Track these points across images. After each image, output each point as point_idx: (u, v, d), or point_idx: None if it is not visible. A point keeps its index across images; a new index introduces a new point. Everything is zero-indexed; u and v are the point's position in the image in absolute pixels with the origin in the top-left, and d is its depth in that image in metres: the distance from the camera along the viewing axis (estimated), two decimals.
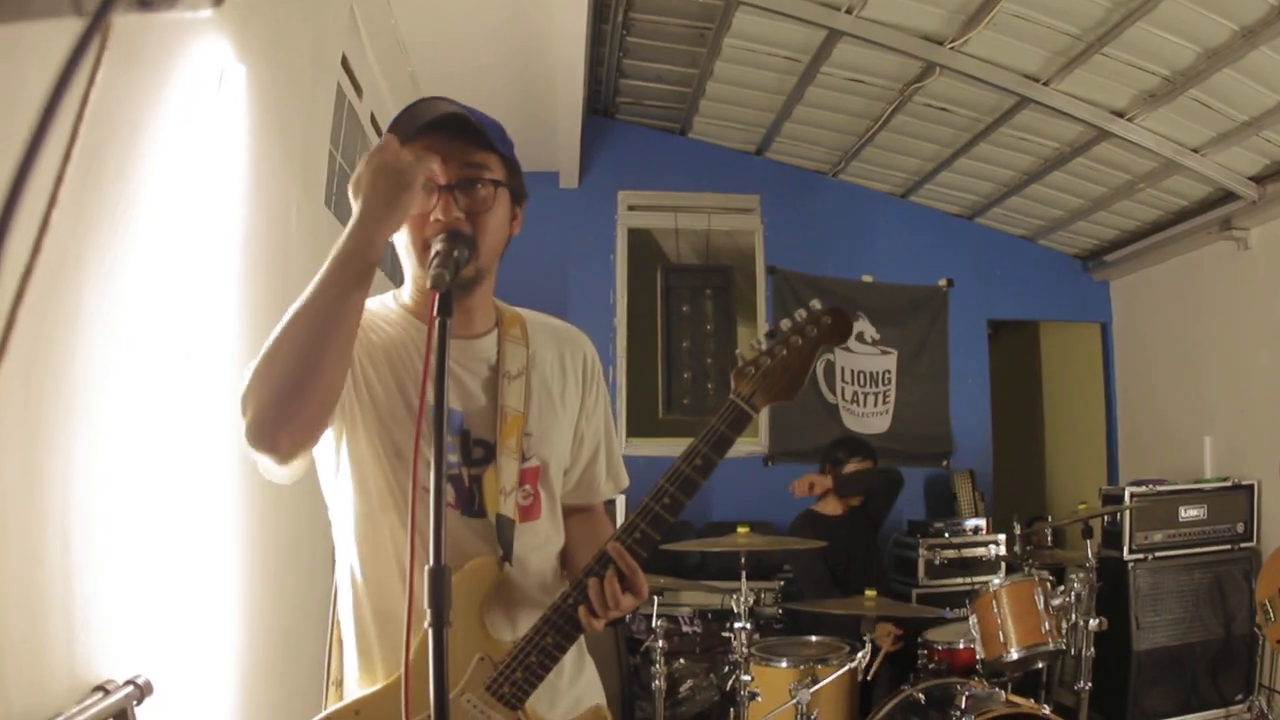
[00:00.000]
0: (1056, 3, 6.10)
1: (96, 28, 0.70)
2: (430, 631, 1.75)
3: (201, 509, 3.22)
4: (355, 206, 2.05)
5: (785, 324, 2.33)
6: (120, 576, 2.61)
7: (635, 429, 9.29)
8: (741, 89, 8.40)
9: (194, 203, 3.10)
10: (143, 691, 2.51)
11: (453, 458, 2.25)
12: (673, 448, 8.77)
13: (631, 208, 9.61)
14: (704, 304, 9.15)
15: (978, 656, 5.49)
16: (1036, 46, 6.64)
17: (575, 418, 2.50)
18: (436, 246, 2.10)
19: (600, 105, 9.24)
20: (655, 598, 5.77)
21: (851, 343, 9.28)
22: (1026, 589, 5.50)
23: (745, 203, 9.69)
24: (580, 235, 9.38)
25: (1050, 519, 7.17)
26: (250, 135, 3.64)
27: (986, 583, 5.71)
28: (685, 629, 7.08)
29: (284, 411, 1.97)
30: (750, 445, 9.20)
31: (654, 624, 5.69)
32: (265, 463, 2.06)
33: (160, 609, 2.87)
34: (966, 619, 5.65)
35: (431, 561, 1.76)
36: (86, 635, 2.42)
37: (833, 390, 9.34)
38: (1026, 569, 5.75)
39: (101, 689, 2.42)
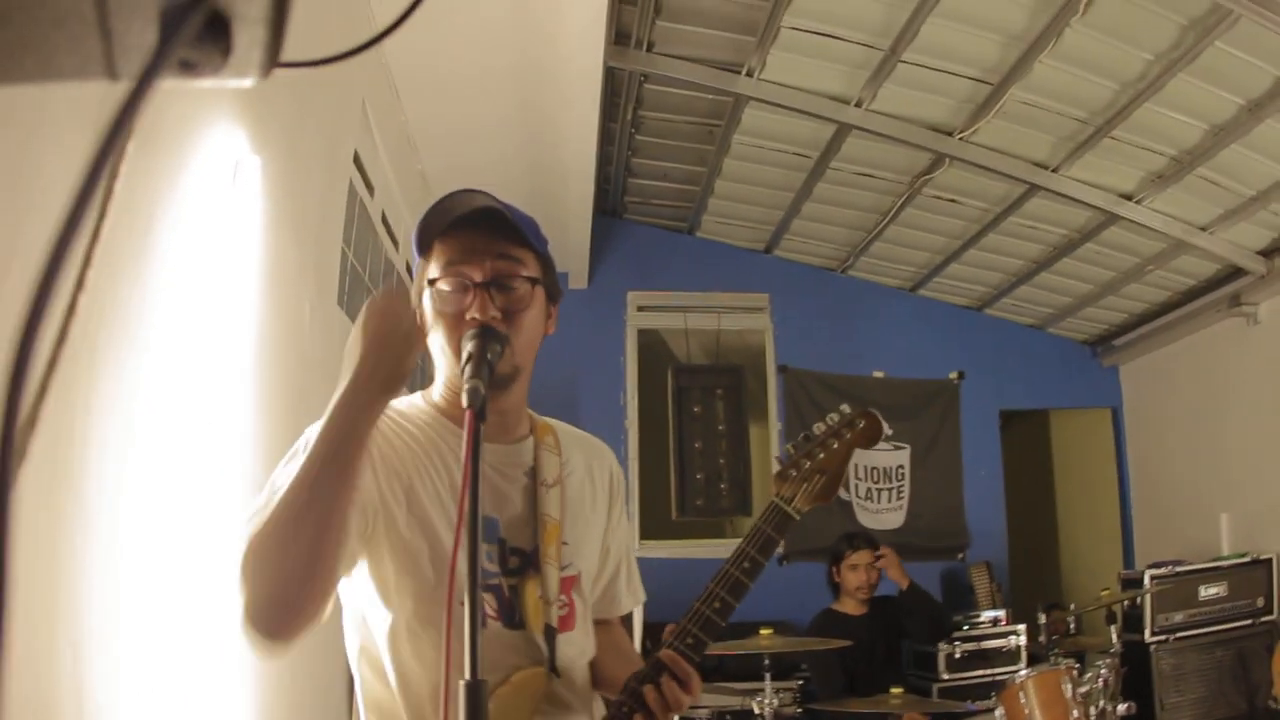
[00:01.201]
0: (1064, 88, 6.19)
1: (145, 90, 0.64)
2: None
3: (220, 615, 3.12)
4: (345, 376, 1.93)
5: (819, 428, 2.45)
6: (135, 688, 2.51)
7: (649, 531, 9.20)
8: (750, 187, 8.47)
9: (209, 296, 3.04)
10: None
11: (491, 567, 2.18)
12: (687, 550, 8.85)
13: (641, 308, 9.63)
14: (715, 404, 9.13)
15: None
16: (1045, 133, 6.73)
17: (603, 529, 2.46)
18: (468, 347, 2.00)
19: (609, 205, 9.29)
20: None
21: None
22: (1053, 678, 5.46)
23: (755, 301, 9.71)
24: (590, 337, 9.35)
25: (1073, 606, 7.08)
26: (265, 228, 3.59)
27: (1010, 674, 5.64)
28: None
29: (285, 605, 1.87)
30: None
31: None
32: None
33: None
34: (992, 711, 5.57)
35: (467, 675, 1.65)
36: None
37: (846, 487, 9.27)
38: (1053, 658, 5.67)
39: None
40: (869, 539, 7.01)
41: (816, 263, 9.67)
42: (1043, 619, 6.52)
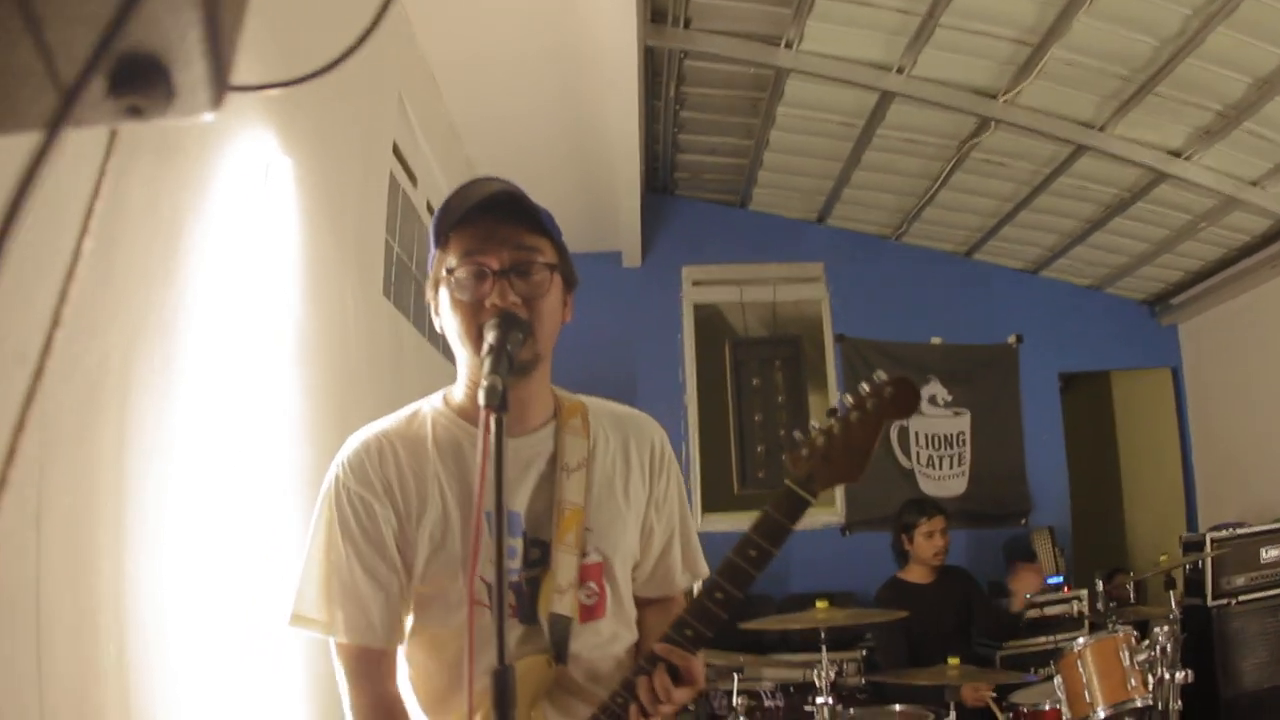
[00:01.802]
0: (1104, 46, 6.13)
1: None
2: None
3: (267, 614, 3.07)
4: None
5: (847, 399, 2.22)
6: (181, 688, 2.53)
7: (711, 505, 9.21)
8: (798, 157, 8.45)
9: (245, 297, 3.05)
10: None
11: (514, 564, 2.16)
12: (750, 522, 8.76)
13: (696, 283, 9.65)
14: (774, 376, 9.16)
15: (1064, 717, 5.38)
16: (1088, 92, 6.67)
17: (641, 510, 2.37)
18: (489, 337, 1.97)
19: (658, 182, 9.31)
20: (735, 675, 5.71)
21: (924, 406, 9.26)
22: (1111, 646, 5.39)
23: (809, 271, 9.69)
24: (646, 314, 9.43)
25: (1131, 573, 6.98)
26: (300, 227, 3.61)
27: (1071, 640, 5.60)
28: (767, 703, 6.99)
29: None
30: (827, 515, 9.10)
31: (734, 700, 5.63)
32: None
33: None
34: (1051, 679, 5.55)
35: (496, 662, 1.66)
36: None
37: (908, 455, 9.26)
38: (1110, 626, 5.64)
39: None
40: (938, 505, 6.94)
41: (870, 230, 9.63)
42: (1100, 586, 6.47)
